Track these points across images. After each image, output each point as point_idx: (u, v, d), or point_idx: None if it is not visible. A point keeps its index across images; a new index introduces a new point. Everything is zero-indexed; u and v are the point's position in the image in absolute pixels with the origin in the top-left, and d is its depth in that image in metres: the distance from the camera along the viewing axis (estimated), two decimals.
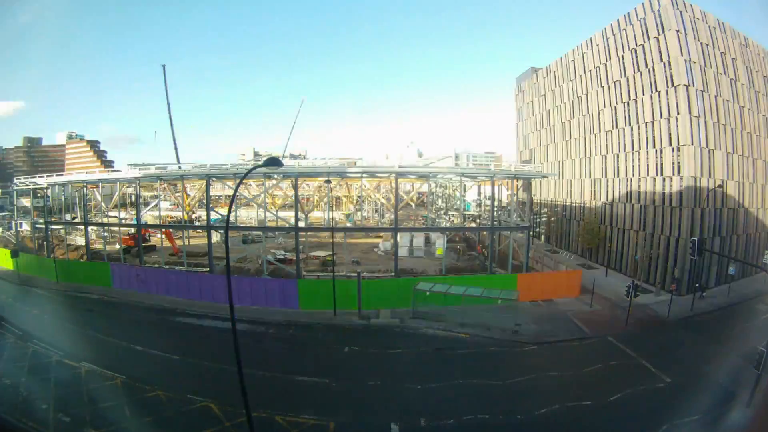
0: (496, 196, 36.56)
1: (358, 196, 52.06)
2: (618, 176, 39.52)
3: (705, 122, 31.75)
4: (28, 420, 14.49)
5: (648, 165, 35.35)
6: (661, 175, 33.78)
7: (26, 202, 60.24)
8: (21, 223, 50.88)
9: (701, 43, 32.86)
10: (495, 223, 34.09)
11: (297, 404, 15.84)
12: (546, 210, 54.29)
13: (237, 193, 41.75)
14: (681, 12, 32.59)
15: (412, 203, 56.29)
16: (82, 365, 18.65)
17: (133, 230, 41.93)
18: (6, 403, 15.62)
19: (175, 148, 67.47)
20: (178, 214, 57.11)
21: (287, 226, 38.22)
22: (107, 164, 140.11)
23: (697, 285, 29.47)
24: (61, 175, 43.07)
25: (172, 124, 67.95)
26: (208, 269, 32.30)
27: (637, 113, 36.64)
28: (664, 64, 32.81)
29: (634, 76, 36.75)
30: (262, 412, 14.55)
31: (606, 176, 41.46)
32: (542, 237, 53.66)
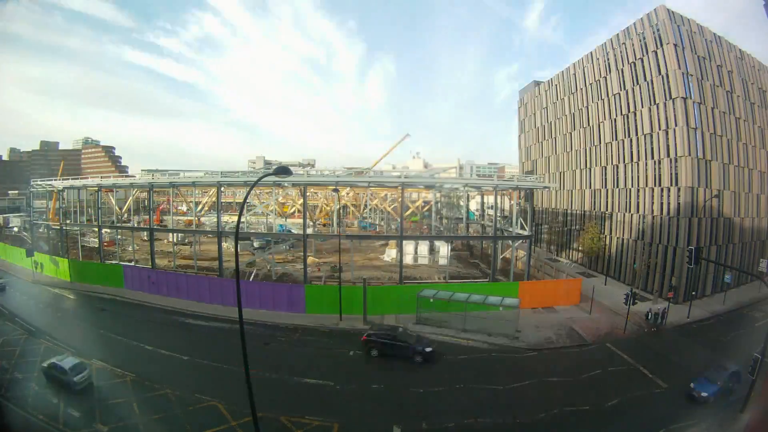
0: (499, 205, 37.10)
1: (365, 205, 52.68)
2: (617, 187, 40.06)
3: (702, 134, 32.37)
4: (39, 413, 15.10)
5: (646, 176, 35.89)
6: (660, 185, 34.30)
7: (42, 203, 61.44)
8: (38, 224, 51.67)
9: (698, 57, 33.62)
10: (497, 232, 34.63)
11: (302, 405, 16.27)
12: (547, 219, 54.76)
13: (247, 201, 42.66)
14: (678, 26, 33.42)
15: (417, 212, 56.77)
16: (93, 362, 19.17)
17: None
18: (18, 397, 16.17)
19: None
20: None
21: (296, 232, 38.82)
22: (121, 170, 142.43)
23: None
24: (77, 178, 44.07)
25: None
26: (217, 273, 32.97)
27: (636, 125, 37.30)
28: (662, 77, 33.54)
29: (633, 89, 37.47)
30: (267, 413, 14.90)
31: (606, 187, 42.00)
32: (543, 245, 54.05)
